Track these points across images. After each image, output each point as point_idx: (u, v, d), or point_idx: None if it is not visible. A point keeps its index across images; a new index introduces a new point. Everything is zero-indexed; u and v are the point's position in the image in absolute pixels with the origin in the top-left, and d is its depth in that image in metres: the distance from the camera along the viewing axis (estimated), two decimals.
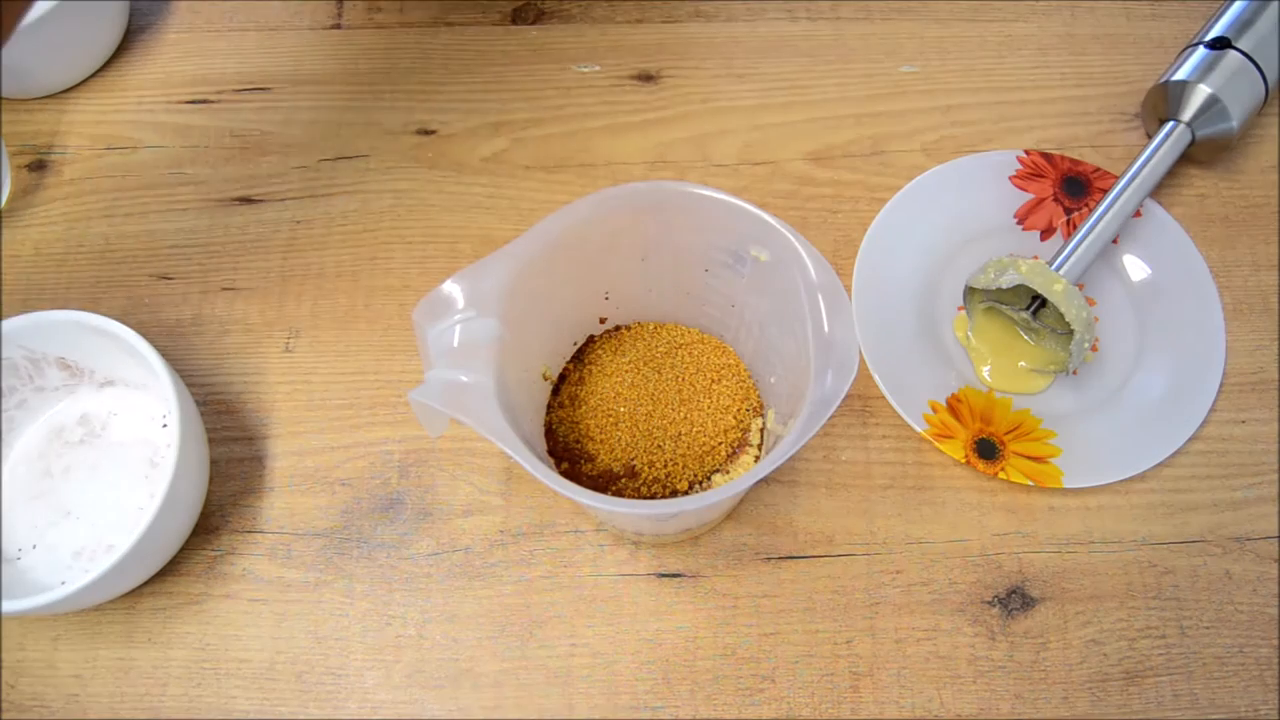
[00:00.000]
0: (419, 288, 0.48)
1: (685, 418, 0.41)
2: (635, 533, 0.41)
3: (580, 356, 0.43)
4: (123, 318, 0.41)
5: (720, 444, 0.41)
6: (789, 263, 0.34)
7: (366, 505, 0.43)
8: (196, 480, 0.40)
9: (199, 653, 0.41)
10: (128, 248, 0.49)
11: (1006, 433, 0.43)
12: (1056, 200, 0.49)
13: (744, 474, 0.30)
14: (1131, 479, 0.42)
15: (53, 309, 0.40)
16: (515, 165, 0.51)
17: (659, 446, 0.41)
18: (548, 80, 0.53)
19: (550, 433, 0.42)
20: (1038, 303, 0.44)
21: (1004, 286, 0.42)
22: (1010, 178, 0.49)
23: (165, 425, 0.44)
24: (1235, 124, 0.46)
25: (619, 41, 0.54)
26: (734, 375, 0.42)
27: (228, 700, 0.40)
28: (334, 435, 0.45)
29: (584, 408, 0.42)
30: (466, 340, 0.33)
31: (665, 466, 0.41)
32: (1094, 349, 0.45)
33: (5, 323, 0.40)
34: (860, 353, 0.43)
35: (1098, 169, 0.49)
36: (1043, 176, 0.49)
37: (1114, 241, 0.47)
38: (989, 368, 0.45)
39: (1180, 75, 0.47)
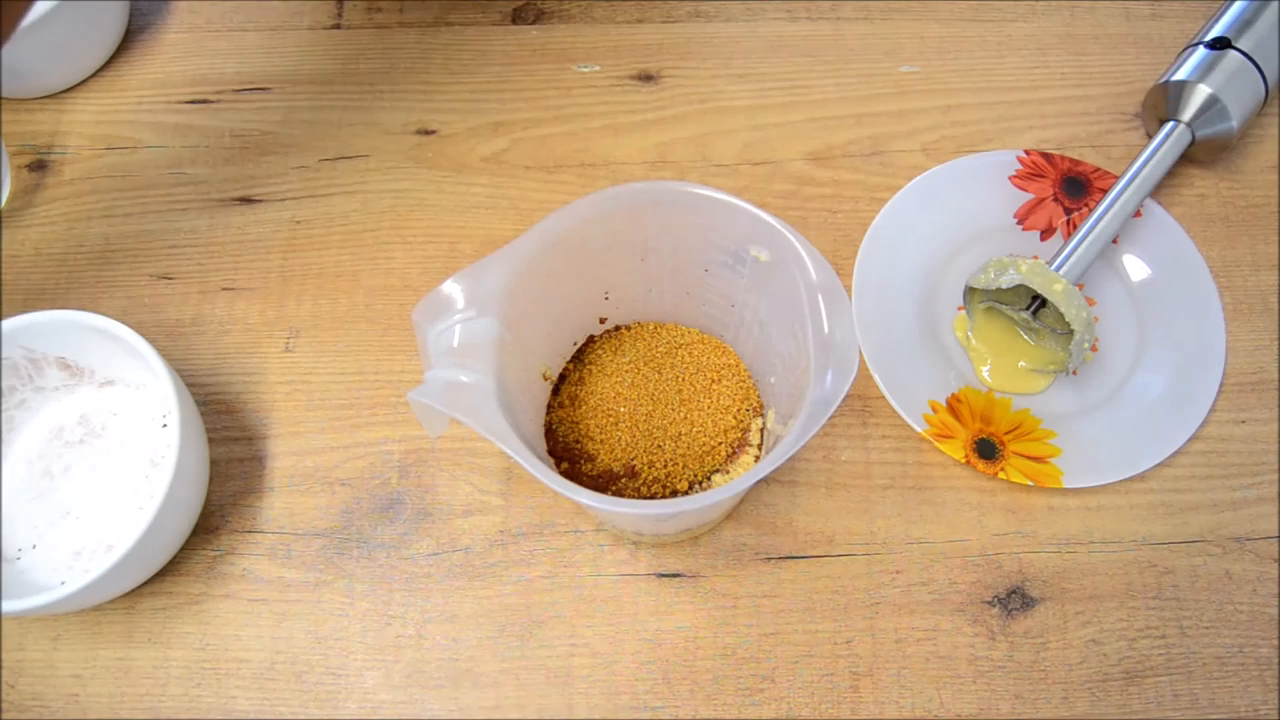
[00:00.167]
0: (419, 288, 0.48)
1: (685, 418, 0.41)
2: (635, 533, 0.41)
3: (580, 356, 0.43)
4: (123, 318, 0.41)
5: (720, 444, 0.41)
6: (789, 263, 0.34)
7: (366, 505, 0.43)
8: (196, 480, 0.40)
9: (199, 653, 0.41)
10: (127, 248, 0.49)
11: (1006, 433, 0.43)
12: (1056, 200, 0.49)
13: (744, 474, 0.30)
14: (1131, 479, 0.42)
15: (53, 309, 0.40)
16: (515, 165, 0.51)
17: (659, 446, 0.41)
18: (548, 80, 0.53)
19: (550, 433, 0.42)
20: (1038, 303, 0.44)
21: (1004, 286, 0.42)
22: (1010, 178, 0.49)
23: (165, 425, 0.44)
24: (1235, 124, 0.46)
25: (619, 41, 0.54)
26: (734, 375, 0.42)
27: (228, 700, 0.40)
28: (334, 435, 0.45)
29: (584, 408, 0.42)
30: (466, 340, 0.33)
31: (665, 466, 0.41)
32: (1094, 349, 0.45)
33: (5, 323, 0.40)
34: (860, 353, 0.43)
35: (1098, 169, 0.49)
36: (1043, 176, 0.49)
37: (1114, 241, 0.47)
38: (989, 368, 0.45)
39: (1180, 75, 0.47)
